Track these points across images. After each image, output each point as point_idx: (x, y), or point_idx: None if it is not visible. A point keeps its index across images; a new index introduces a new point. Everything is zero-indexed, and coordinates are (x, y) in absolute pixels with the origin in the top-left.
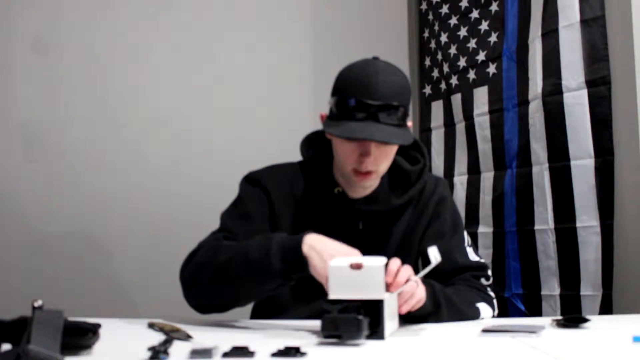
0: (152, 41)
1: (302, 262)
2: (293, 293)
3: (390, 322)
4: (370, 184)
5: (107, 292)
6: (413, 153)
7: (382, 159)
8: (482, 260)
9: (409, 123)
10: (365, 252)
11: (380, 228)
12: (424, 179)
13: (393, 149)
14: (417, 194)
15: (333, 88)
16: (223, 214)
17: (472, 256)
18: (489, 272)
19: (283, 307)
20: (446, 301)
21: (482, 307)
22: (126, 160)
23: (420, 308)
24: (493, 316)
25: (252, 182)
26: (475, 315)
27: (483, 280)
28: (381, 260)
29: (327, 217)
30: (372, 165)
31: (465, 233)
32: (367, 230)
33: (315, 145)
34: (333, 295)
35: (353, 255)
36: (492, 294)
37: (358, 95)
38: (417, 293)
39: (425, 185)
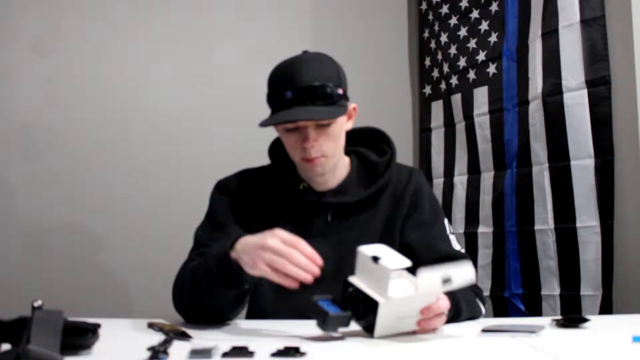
0: (152, 41)
1: (236, 268)
2: (275, 295)
3: (392, 322)
4: (323, 170)
5: (107, 292)
6: (381, 145)
7: (325, 142)
8: (463, 251)
9: (352, 105)
10: (338, 243)
11: (350, 219)
12: (392, 170)
13: (335, 129)
14: (392, 185)
15: (267, 87)
16: (197, 230)
17: (455, 244)
18: (471, 264)
19: (265, 311)
20: (464, 300)
21: (479, 303)
22: (126, 160)
23: None
24: (484, 309)
25: (221, 190)
26: (479, 313)
27: (479, 290)
28: (400, 262)
29: (295, 212)
30: (317, 150)
31: (446, 221)
32: (336, 221)
33: (283, 148)
34: (355, 279)
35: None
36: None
37: (282, 84)
38: (441, 317)
39: (396, 175)
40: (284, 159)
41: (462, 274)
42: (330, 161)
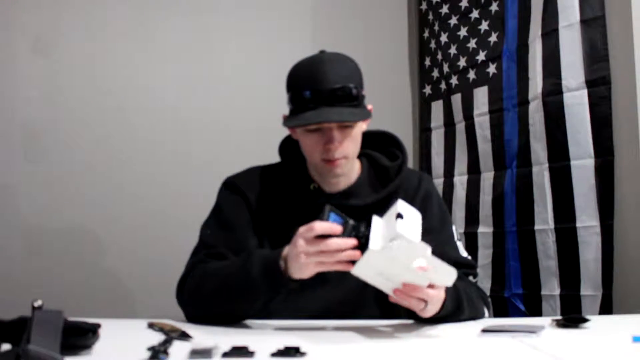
0: (153, 41)
1: (285, 278)
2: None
3: (372, 273)
4: (342, 172)
5: (107, 292)
6: (392, 149)
7: (347, 143)
8: (470, 258)
9: (369, 106)
10: None
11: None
12: (402, 175)
13: (357, 131)
14: (402, 191)
15: (286, 86)
16: (203, 226)
17: (462, 252)
18: (477, 271)
19: (268, 310)
20: (466, 299)
21: (483, 306)
22: (127, 160)
23: (441, 309)
24: (489, 315)
25: (230, 187)
26: (481, 314)
27: (471, 279)
28: (414, 235)
29: (304, 213)
30: (340, 151)
31: (454, 227)
32: None
33: (293, 147)
34: (376, 220)
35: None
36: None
37: (308, 85)
38: (420, 302)
39: (406, 180)
40: (295, 158)
41: (444, 272)
42: (349, 162)
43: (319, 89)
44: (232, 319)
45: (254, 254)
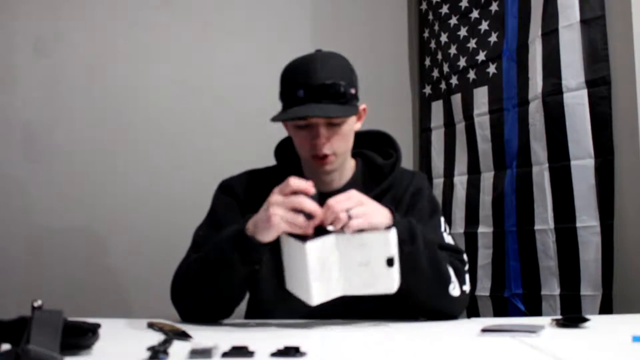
0: (152, 41)
1: (253, 243)
2: (275, 295)
3: (320, 262)
4: (332, 168)
5: (107, 292)
6: (387, 149)
7: (336, 140)
8: (458, 246)
9: (362, 106)
10: None
11: None
12: (395, 173)
13: (346, 129)
14: (395, 188)
15: (279, 83)
16: (197, 230)
17: (449, 241)
18: (465, 257)
19: (265, 311)
20: (424, 240)
21: (451, 271)
22: (126, 160)
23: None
24: (463, 290)
25: (224, 190)
26: (447, 277)
27: (458, 263)
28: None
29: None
30: (328, 148)
31: (443, 220)
32: None
33: (289, 149)
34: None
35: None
36: (466, 269)
37: (297, 81)
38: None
39: (399, 178)
40: (290, 160)
41: (392, 277)
42: (338, 160)
43: (308, 84)
44: (220, 304)
45: (225, 229)
